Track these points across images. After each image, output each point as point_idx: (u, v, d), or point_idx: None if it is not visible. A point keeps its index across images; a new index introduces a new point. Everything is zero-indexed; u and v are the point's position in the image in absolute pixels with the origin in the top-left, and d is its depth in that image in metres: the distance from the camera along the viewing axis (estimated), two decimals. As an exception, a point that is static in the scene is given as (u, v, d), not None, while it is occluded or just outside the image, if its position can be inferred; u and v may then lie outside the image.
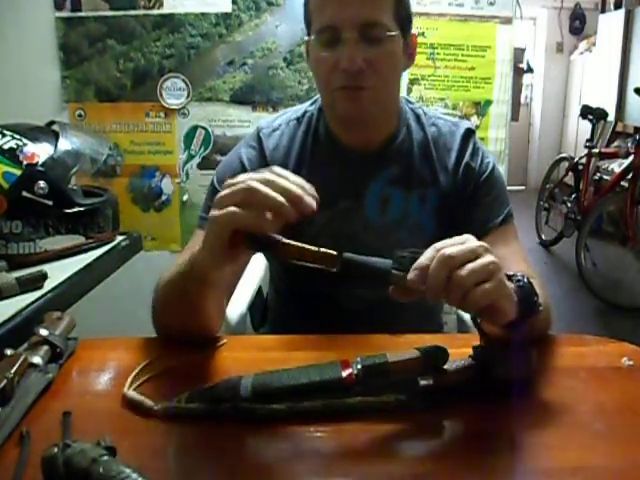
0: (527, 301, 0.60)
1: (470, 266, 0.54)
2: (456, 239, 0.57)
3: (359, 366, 0.61)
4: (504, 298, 0.56)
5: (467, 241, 0.57)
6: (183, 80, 1.92)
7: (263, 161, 0.94)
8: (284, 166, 0.92)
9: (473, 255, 0.55)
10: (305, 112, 0.99)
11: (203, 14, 1.88)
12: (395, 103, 0.96)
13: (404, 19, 0.88)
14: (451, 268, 0.53)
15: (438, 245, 0.56)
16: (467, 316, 1.14)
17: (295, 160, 0.95)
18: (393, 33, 0.85)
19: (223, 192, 0.61)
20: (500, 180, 0.97)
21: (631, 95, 4.17)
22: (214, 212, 0.60)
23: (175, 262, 0.82)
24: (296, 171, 0.93)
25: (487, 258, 0.55)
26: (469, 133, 0.97)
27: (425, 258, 0.55)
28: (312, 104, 1.01)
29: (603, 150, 3.96)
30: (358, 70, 0.82)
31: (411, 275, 0.55)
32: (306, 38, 0.93)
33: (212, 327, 0.78)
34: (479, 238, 0.57)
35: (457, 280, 0.53)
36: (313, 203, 0.59)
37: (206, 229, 0.63)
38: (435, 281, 0.53)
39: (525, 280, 0.61)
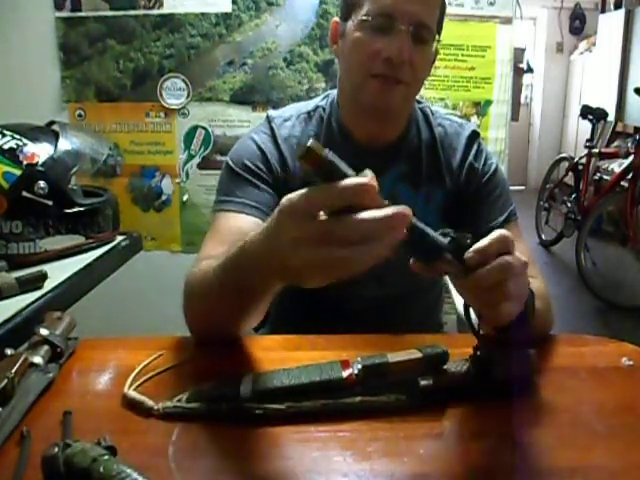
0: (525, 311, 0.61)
1: (520, 282, 0.57)
2: (509, 239, 0.57)
3: (359, 366, 0.61)
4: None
5: (515, 248, 0.58)
6: (183, 80, 1.92)
7: (276, 147, 0.94)
8: (295, 157, 0.93)
9: (524, 270, 0.57)
10: (316, 107, 0.99)
11: (203, 14, 1.88)
12: (413, 103, 0.98)
13: (440, 29, 0.91)
14: (507, 276, 0.55)
15: (502, 236, 0.56)
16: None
17: None
18: (436, 39, 0.88)
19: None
20: (502, 181, 0.98)
21: (631, 95, 4.16)
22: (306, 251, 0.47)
23: (201, 253, 0.82)
24: None
25: (527, 278, 0.59)
26: (474, 135, 0.99)
27: (489, 246, 0.55)
28: (323, 99, 1.01)
29: (603, 150, 3.96)
30: (402, 63, 0.84)
31: (469, 255, 0.55)
32: (335, 19, 0.93)
33: (257, 319, 0.77)
34: (483, 236, 0.58)
35: (506, 289, 0.55)
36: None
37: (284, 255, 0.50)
38: (489, 278, 0.55)
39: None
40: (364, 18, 0.85)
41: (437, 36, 0.89)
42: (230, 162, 0.94)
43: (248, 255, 0.58)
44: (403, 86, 0.86)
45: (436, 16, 0.88)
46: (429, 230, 0.55)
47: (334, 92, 1.00)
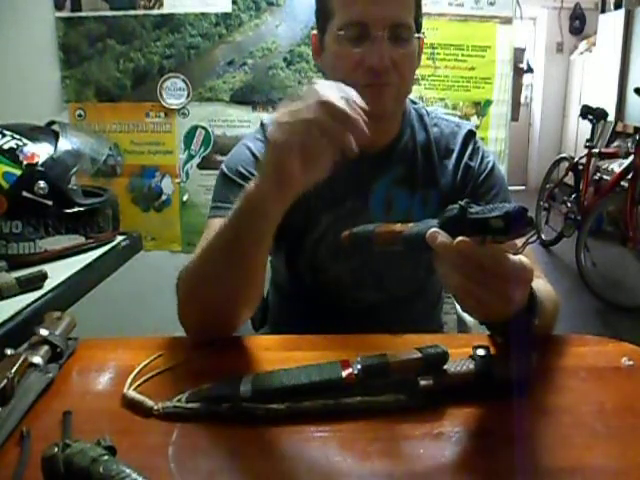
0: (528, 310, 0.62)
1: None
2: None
3: (359, 366, 0.61)
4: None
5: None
6: (183, 80, 1.92)
7: None
8: None
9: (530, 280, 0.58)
10: None
11: (203, 14, 1.88)
12: (405, 103, 0.97)
13: (419, 22, 0.89)
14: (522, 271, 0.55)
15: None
16: (467, 317, 1.14)
17: None
18: (416, 35, 0.87)
19: (292, 108, 0.63)
20: (500, 178, 0.97)
21: (631, 95, 4.16)
22: (275, 133, 0.63)
23: (195, 252, 0.82)
24: None
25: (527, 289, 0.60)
26: (470, 134, 0.98)
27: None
28: None
29: (603, 150, 3.95)
30: (385, 68, 0.83)
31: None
32: (314, 32, 0.92)
33: (252, 303, 0.78)
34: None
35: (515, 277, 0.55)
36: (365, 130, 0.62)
37: (265, 155, 0.67)
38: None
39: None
40: (338, 32, 0.84)
41: (418, 29, 0.88)
42: (225, 169, 0.94)
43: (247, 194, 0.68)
44: (392, 88, 0.86)
45: (412, 11, 0.86)
46: (420, 227, 0.58)
47: None
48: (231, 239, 0.71)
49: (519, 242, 0.55)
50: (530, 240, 0.54)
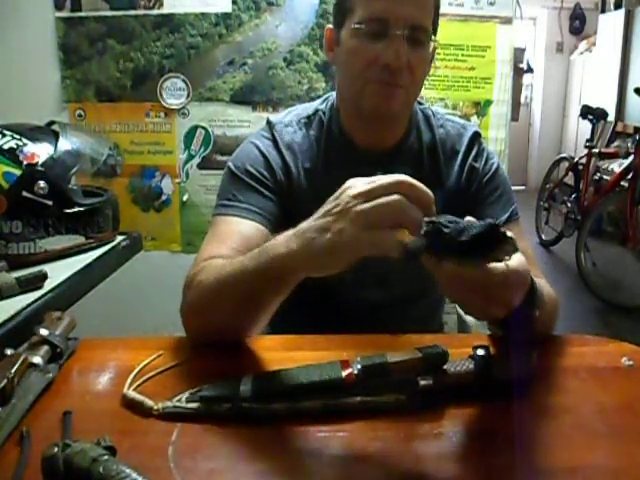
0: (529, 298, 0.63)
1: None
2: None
3: (359, 366, 0.61)
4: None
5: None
6: (183, 80, 1.92)
7: (279, 154, 0.94)
8: (297, 164, 0.94)
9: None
10: (316, 110, 0.98)
11: (203, 14, 1.88)
12: (413, 106, 0.97)
13: (435, 27, 0.90)
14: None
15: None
16: (468, 317, 1.14)
17: (309, 159, 0.94)
18: (432, 39, 0.87)
19: (370, 208, 0.60)
20: (504, 180, 0.98)
21: (631, 95, 4.17)
22: (358, 231, 0.58)
23: (201, 255, 0.83)
24: (310, 170, 0.94)
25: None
26: (476, 136, 0.98)
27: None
28: (323, 102, 1.00)
29: (603, 150, 3.96)
30: (400, 68, 0.83)
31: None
32: (329, 26, 0.93)
33: (258, 328, 0.78)
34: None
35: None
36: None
37: (329, 238, 0.61)
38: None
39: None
40: (357, 26, 0.84)
41: (433, 35, 0.88)
42: (232, 167, 0.94)
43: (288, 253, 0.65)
44: (403, 90, 0.86)
45: (431, 15, 0.87)
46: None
47: (334, 95, 0.99)
48: (248, 281, 0.70)
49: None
50: (507, 257, 0.54)
